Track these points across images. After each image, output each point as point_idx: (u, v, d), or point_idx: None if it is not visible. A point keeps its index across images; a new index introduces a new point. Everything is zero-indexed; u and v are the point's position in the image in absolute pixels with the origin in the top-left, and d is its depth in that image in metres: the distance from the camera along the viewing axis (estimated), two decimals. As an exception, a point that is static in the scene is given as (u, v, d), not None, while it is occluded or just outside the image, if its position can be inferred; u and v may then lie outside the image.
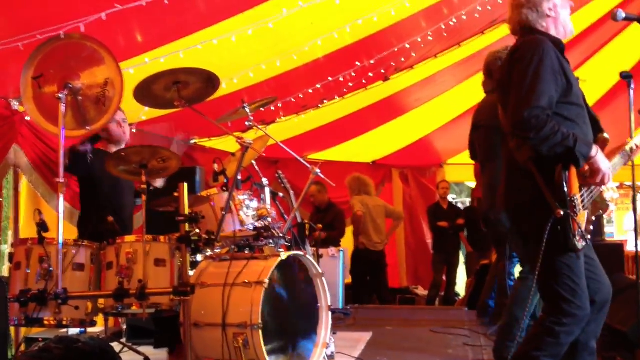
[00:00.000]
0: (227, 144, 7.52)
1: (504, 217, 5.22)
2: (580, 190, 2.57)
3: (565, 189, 2.44)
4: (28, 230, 4.82)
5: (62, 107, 3.38)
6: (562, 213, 2.40)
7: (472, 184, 11.67)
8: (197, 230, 3.38)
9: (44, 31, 3.50)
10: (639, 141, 2.82)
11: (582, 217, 2.57)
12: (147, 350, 4.48)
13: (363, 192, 7.89)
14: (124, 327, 5.07)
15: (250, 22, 4.36)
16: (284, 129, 7.21)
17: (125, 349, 4.41)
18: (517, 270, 4.26)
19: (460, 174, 10.27)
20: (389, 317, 6.17)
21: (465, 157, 8.09)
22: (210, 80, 3.66)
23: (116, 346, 4.29)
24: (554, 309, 2.57)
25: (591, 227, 2.66)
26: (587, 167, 2.56)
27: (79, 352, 3.80)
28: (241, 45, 4.61)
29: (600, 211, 2.81)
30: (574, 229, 2.43)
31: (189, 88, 3.66)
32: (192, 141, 7.39)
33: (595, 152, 2.54)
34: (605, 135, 2.81)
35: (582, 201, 2.57)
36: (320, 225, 6.78)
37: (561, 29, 2.78)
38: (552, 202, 2.44)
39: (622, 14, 2.93)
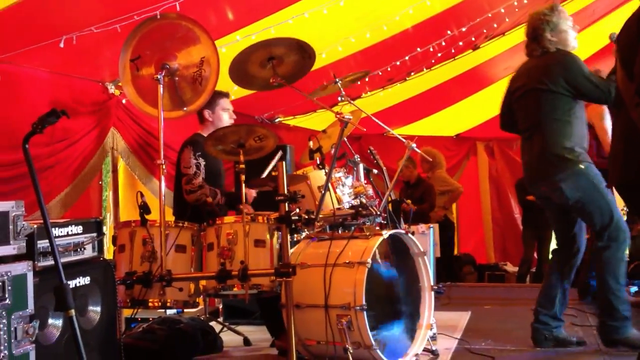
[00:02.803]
0: (311, 121, 7.47)
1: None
2: None
3: None
4: (126, 212, 4.92)
5: (160, 89, 3.38)
6: None
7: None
8: (297, 210, 3.32)
9: (141, 12, 3.47)
10: None
11: None
12: (245, 329, 4.51)
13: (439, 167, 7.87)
14: (220, 307, 5.12)
15: (342, -7, 4.23)
16: (368, 103, 7.07)
17: (225, 329, 4.47)
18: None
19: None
20: (484, 296, 6.00)
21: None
22: (304, 51, 3.53)
23: (215, 326, 4.35)
24: None
25: None
26: None
27: (181, 333, 3.86)
28: (332, 18, 4.49)
29: None
30: None
31: (284, 64, 3.57)
32: (277, 120, 7.37)
33: None
34: None
35: None
36: (409, 201, 6.64)
37: None
38: None
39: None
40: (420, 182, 7.59)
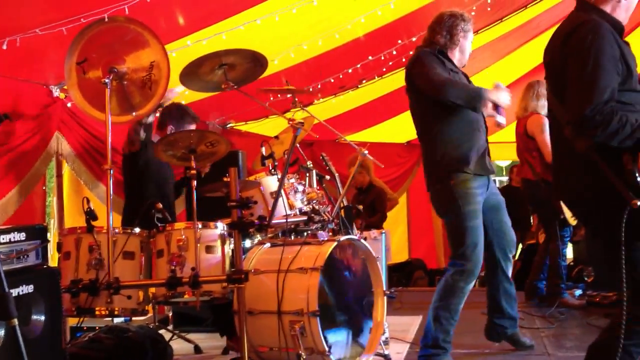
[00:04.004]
0: (263, 127, 7.43)
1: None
2: None
3: (639, 178, 2.26)
4: (71, 218, 4.78)
5: (108, 93, 3.30)
6: (638, 203, 2.23)
7: (504, 162, 11.50)
8: (251, 215, 3.29)
9: (88, 14, 3.39)
10: None
11: None
12: (196, 337, 4.44)
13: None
14: (170, 314, 5.03)
15: (295, 1, 4.23)
16: (320, 110, 7.08)
17: (175, 337, 4.38)
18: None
19: (500, 153, 10.06)
20: (435, 300, 6.04)
21: (502, 135, 7.92)
22: (257, 60, 3.54)
23: (165, 334, 4.26)
24: (638, 297, 2.41)
25: None
26: None
27: (130, 342, 3.76)
28: (284, 25, 4.48)
29: None
30: None
31: (236, 69, 3.55)
32: (228, 125, 7.30)
33: None
34: None
35: None
36: (361, 206, 6.67)
37: (623, 14, 2.57)
38: (625, 192, 2.26)
39: None
40: (372, 188, 7.60)
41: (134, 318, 4.45)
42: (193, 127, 4.34)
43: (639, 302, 2.41)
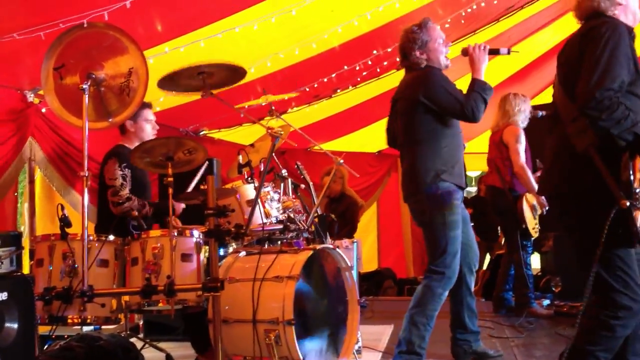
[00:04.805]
0: (237, 135, 7.43)
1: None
2: None
3: (632, 179, 2.35)
4: (42, 225, 4.72)
5: (86, 99, 3.28)
6: (627, 204, 2.31)
7: (474, 173, 11.65)
8: (228, 224, 3.29)
9: (67, 20, 3.37)
10: None
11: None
12: (167, 345, 4.40)
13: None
14: (140, 323, 4.98)
15: (274, 10, 4.25)
16: (294, 119, 7.10)
17: (147, 345, 4.34)
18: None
19: (471, 163, 10.22)
20: (405, 309, 6.08)
21: (472, 146, 8.04)
22: (235, 71, 3.55)
23: (136, 342, 4.22)
24: (607, 302, 2.49)
25: None
26: None
27: (101, 351, 3.71)
28: (262, 34, 4.50)
29: None
30: (636, 222, 2.35)
31: (213, 77, 3.55)
32: (201, 133, 7.28)
33: None
34: None
35: None
36: (333, 215, 6.70)
37: (630, 17, 2.70)
38: (616, 191, 2.35)
39: None
40: (343, 197, 7.64)
41: (104, 327, 4.41)
42: (148, 112, 4.24)
43: (607, 306, 2.48)
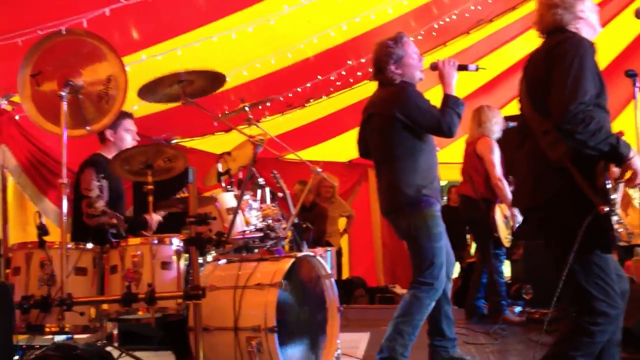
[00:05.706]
0: (209, 143, 7.42)
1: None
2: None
3: (608, 186, 2.43)
4: (15, 233, 4.64)
5: (65, 106, 3.24)
6: (605, 210, 2.38)
7: (442, 183, 11.80)
8: (209, 232, 3.29)
9: (45, 27, 3.34)
10: None
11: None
12: (143, 354, 4.35)
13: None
14: (115, 332, 4.91)
15: (252, 19, 4.28)
16: (267, 127, 7.10)
17: (124, 354, 4.29)
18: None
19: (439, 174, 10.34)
20: (381, 317, 6.11)
21: (440, 157, 8.14)
22: (215, 78, 3.57)
23: (113, 351, 4.16)
24: (586, 309, 2.55)
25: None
26: (616, 169, 2.54)
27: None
28: (240, 43, 4.53)
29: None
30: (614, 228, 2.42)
31: (193, 85, 3.56)
32: (174, 141, 7.25)
33: (634, 153, 2.53)
34: None
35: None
36: (307, 223, 6.73)
37: (590, 31, 2.77)
38: (594, 198, 2.42)
39: None
40: (315, 206, 7.73)
41: (76, 336, 4.35)
42: (129, 122, 4.22)
43: (586, 312, 2.55)
